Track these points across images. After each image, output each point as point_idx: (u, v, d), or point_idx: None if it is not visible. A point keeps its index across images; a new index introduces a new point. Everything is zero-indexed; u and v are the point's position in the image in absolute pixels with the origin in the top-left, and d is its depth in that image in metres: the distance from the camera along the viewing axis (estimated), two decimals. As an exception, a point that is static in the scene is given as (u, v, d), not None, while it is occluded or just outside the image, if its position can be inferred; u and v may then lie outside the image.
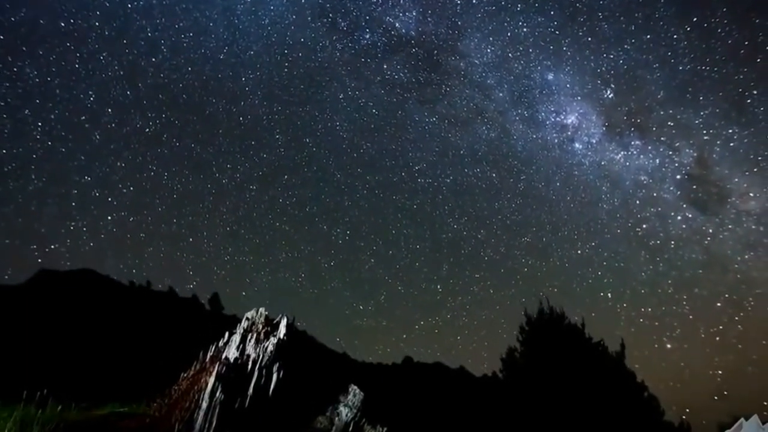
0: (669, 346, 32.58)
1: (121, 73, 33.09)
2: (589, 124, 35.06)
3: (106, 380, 9.74)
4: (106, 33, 32.71)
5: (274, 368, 5.01)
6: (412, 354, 35.06)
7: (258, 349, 5.08)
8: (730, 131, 30.81)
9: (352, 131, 37.69)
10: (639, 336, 33.68)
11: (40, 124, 30.82)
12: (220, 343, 5.27)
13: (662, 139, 33.97)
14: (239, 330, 5.26)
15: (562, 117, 34.87)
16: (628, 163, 34.51)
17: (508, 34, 34.37)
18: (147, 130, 34.05)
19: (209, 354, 5.20)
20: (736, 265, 32.36)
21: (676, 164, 33.67)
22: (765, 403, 26.74)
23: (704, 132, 31.72)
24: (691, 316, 33.53)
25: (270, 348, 5.08)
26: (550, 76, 34.46)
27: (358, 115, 37.27)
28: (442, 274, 38.40)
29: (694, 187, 33.70)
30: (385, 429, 4.92)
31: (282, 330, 5.27)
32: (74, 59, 31.77)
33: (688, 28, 30.79)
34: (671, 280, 35.02)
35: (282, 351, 5.18)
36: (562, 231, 37.16)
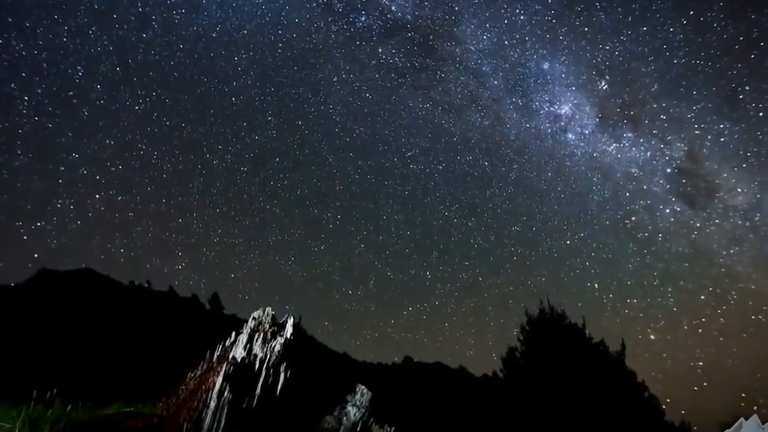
0: (652, 337, 33.02)
1: (111, 48, 32.10)
2: (582, 115, 34.99)
3: (108, 380, 9.71)
4: (96, 6, 31.56)
5: (282, 368, 5.02)
6: (399, 339, 35.44)
7: (265, 349, 5.09)
8: (721, 126, 30.97)
9: (345, 115, 37.05)
10: (623, 326, 34.46)
11: (26, 98, 29.92)
12: (227, 343, 5.27)
13: (654, 132, 33.88)
14: (246, 330, 5.26)
15: (556, 107, 34.60)
16: (619, 155, 34.45)
17: (505, 21, 33.97)
18: (137, 107, 33.07)
19: (216, 353, 5.20)
20: (721, 259, 32.55)
21: (667, 158, 33.66)
22: (743, 395, 28.03)
23: (696, 126, 31.82)
24: (675, 308, 33.61)
25: (277, 348, 5.09)
26: (546, 66, 34.17)
27: (352, 99, 36.70)
28: (432, 260, 38.73)
29: (684, 181, 33.67)
30: (393, 429, 4.93)
31: (289, 330, 5.28)
32: (62, 33, 30.76)
33: (684, 22, 30.71)
34: (657, 272, 35.29)
35: (288, 351, 5.19)
36: (552, 221, 37.12)
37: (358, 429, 4.82)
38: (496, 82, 35.91)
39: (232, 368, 4.75)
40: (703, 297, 32.75)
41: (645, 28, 31.57)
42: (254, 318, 5.37)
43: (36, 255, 29.40)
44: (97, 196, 31.64)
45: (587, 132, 35.20)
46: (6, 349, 12.41)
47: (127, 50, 32.51)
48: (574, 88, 34.48)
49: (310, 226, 38.29)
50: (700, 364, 31.25)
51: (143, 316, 17.90)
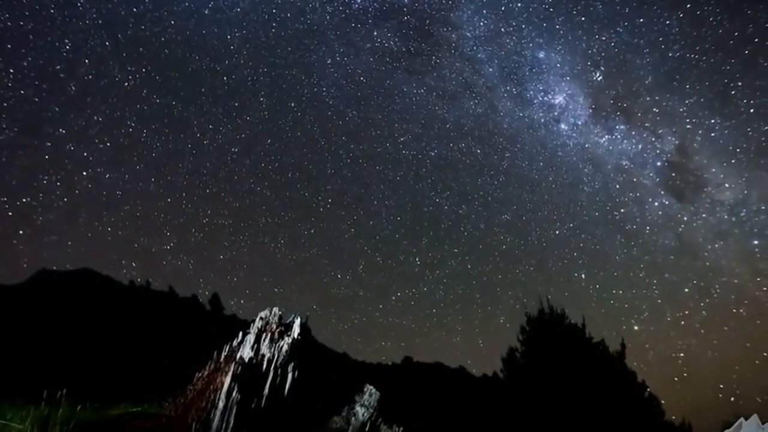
0: (636, 327, 33.43)
1: (100, 22, 31.28)
2: (576, 106, 34.93)
3: (112, 380, 9.71)
4: (85, -23, 31.12)
5: (289, 368, 5.03)
6: (387, 324, 35.59)
7: (273, 349, 5.09)
8: (712, 121, 31.16)
9: (338, 98, 36.60)
10: (608, 317, 34.49)
11: (11, 71, 29.18)
12: (234, 343, 5.28)
13: (646, 125, 34.03)
14: (253, 330, 5.27)
15: (550, 96, 34.56)
16: (611, 147, 34.65)
17: (502, 8, 33.73)
18: (126, 84, 32.38)
19: (223, 354, 5.21)
20: (706, 253, 32.99)
21: (658, 151, 33.90)
22: (721, 386, 28.72)
23: (687, 120, 32.06)
24: (659, 300, 34.04)
25: (285, 348, 5.09)
26: (541, 54, 34.04)
27: (346, 83, 36.34)
28: (422, 247, 38.60)
29: (673, 174, 34.08)
30: (401, 429, 4.94)
31: (296, 330, 5.29)
32: (50, 4, 29.99)
33: (681, 14, 30.66)
34: (643, 264, 35.42)
35: (296, 351, 5.20)
36: (542, 211, 37.18)
37: (367, 429, 4.83)
38: (491, 70, 35.88)
39: (240, 368, 4.76)
40: (686, 290, 33.35)
41: (642, 20, 31.69)
42: (261, 318, 5.38)
43: (21, 231, 28.91)
44: (84, 173, 31.14)
45: (580, 123, 35.35)
46: (7, 350, 12.38)
47: (117, 24, 31.88)
48: (568, 78, 34.70)
49: (301, 209, 38.28)
50: (681, 355, 31.93)
51: (143, 316, 17.88)
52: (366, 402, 5.00)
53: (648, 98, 32.79)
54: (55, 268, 18.45)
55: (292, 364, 5.07)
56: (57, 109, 31.05)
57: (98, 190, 32.27)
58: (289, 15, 34.45)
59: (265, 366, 4.98)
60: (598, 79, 33.86)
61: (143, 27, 32.12)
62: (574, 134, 35.27)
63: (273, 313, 5.43)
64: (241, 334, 5.31)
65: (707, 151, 32.12)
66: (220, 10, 33.96)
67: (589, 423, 13.75)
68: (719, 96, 31.49)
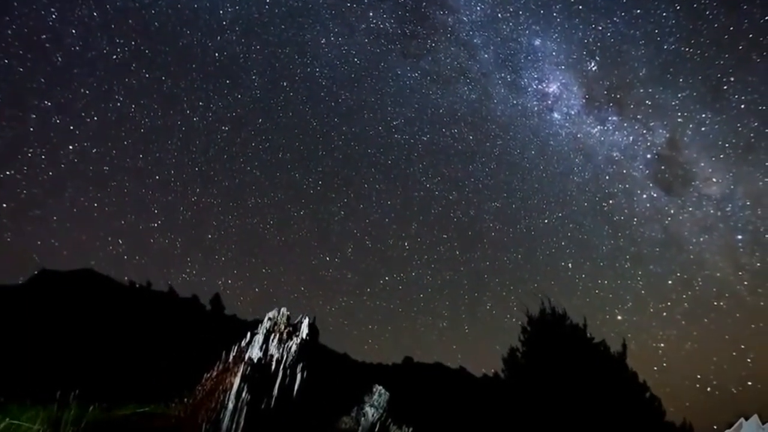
0: (619, 317, 33.70)
1: None
2: (569, 95, 34.95)
3: (115, 381, 9.68)
4: (71, -57, 30.57)
5: (298, 368, 5.02)
6: (375, 308, 35.68)
7: (281, 350, 5.09)
8: (703, 116, 31.37)
9: (331, 79, 36.30)
10: (592, 306, 34.75)
11: None
12: (242, 344, 5.27)
13: (638, 117, 34.16)
14: (261, 330, 5.26)
15: (544, 85, 34.52)
16: (602, 138, 34.79)
17: None
18: (114, 57, 31.67)
19: (232, 354, 5.20)
20: (691, 246, 33.42)
21: (649, 143, 34.09)
22: (698, 377, 29.13)
23: (679, 114, 32.22)
24: (643, 291, 34.30)
25: (293, 348, 5.09)
26: (537, 42, 33.88)
27: (339, 63, 35.98)
28: (411, 231, 38.55)
29: (662, 167, 34.28)
30: (410, 429, 4.94)
31: (304, 330, 5.28)
32: None
33: (678, 7, 30.79)
34: (629, 255, 35.70)
35: (304, 351, 5.19)
36: (532, 199, 37.28)
37: (376, 429, 4.83)
38: (486, 56, 35.67)
39: (249, 369, 4.75)
40: (670, 282, 33.72)
41: (639, 11, 31.78)
42: (269, 318, 5.37)
43: (5, 205, 28.48)
44: (71, 147, 30.54)
45: (573, 113, 35.47)
46: (7, 350, 12.34)
47: (106, -6, 31.03)
48: (563, 67, 34.58)
49: (291, 190, 37.95)
50: (662, 345, 32.35)
51: (144, 317, 17.83)
52: (375, 402, 4.99)
53: (641, 90, 32.97)
54: (55, 268, 18.40)
55: (301, 365, 5.07)
56: (42, 80, 30.42)
57: (85, 165, 31.74)
58: (283, -8, 33.83)
59: (273, 366, 4.98)
60: (593, 69, 33.92)
61: (133, -2, 31.16)
62: (567, 124, 35.44)
63: (281, 313, 5.42)
64: (249, 334, 5.30)
65: (697, 145, 32.47)
66: (212, -16, 33.18)
67: (590, 423, 13.77)
68: (711, 91, 31.73)
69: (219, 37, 34.06)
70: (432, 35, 35.44)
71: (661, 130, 33.44)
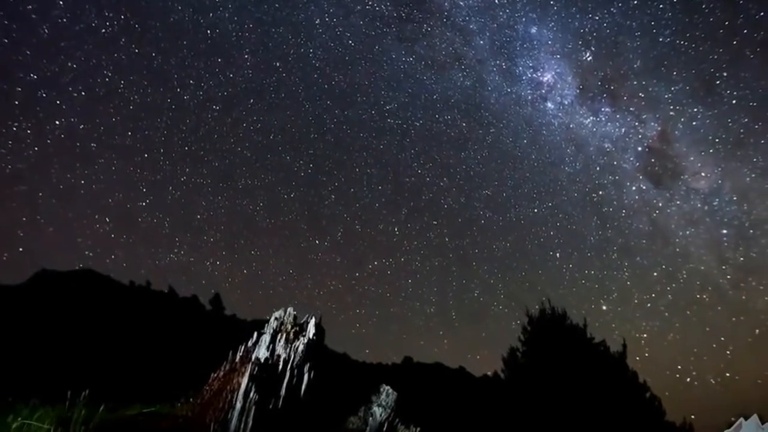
0: (604, 308, 34.50)
1: None
2: (564, 85, 35.18)
3: (114, 380, 9.67)
4: None
5: (305, 368, 5.03)
6: (363, 292, 35.76)
7: (288, 350, 5.09)
8: (695, 110, 31.75)
9: (325, 61, 35.95)
10: (578, 296, 35.45)
11: None
12: (249, 343, 5.27)
13: (631, 109, 34.51)
14: (268, 330, 5.26)
15: (539, 74, 34.63)
16: (595, 129, 35.20)
17: None
18: (103, 30, 31.07)
19: (239, 354, 5.20)
20: (677, 239, 34.12)
21: (640, 136, 34.63)
22: (679, 367, 30.27)
23: (671, 107, 32.61)
24: (628, 283, 35.27)
25: (300, 348, 5.10)
26: (534, 30, 33.93)
27: (333, 45, 35.66)
28: (401, 217, 39.16)
29: (653, 160, 34.83)
30: (418, 429, 4.95)
31: (311, 330, 5.29)
32: None
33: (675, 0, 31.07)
34: (617, 246, 36.62)
35: (311, 351, 5.20)
36: (522, 188, 38.06)
37: (384, 429, 4.84)
38: (482, 42, 35.59)
39: (257, 369, 4.76)
40: (655, 274, 34.62)
41: (635, 2, 31.80)
42: (276, 318, 5.37)
43: None
44: (57, 123, 30.04)
45: (566, 102, 35.53)
46: (8, 350, 12.31)
47: (95, -34, 29.79)
48: (558, 56, 34.64)
49: (281, 172, 37.73)
50: (644, 336, 33.27)
51: (144, 317, 17.80)
52: (383, 402, 5.01)
53: (635, 82, 33.12)
54: (55, 268, 18.35)
55: (308, 365, 5.07)
56: (28, 52, 29.72)
57: (71, 141, 31.38)
58: (278, -30, 32.71)
59: (281, 366, 4.98)
60: (588, 59, 33.94)
61: (123, -30, 29.56)
62: (560, 114, 35.87)
63: (288, 313, 5.42)
64: (255, 334, 5.30)
65: (687, 139, 32.79)
66: (205, -42, 31.86)
67: (590, 423, 13.81)
68: (704, 85, 32.04)
69: (211, 14, 33.45)
70: (428, 19, 35.15)
71: (652, 123, 33.92)
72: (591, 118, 34.68)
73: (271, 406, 4.66)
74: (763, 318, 31.55)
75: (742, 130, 30.76)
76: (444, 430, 13.93)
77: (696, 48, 30.66)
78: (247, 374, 4.72)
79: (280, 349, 5.12)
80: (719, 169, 32.31)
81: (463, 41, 35.67)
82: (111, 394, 5.73)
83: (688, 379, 29.07)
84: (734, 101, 30.40)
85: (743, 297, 32.15)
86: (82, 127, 31.32)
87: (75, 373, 10.65)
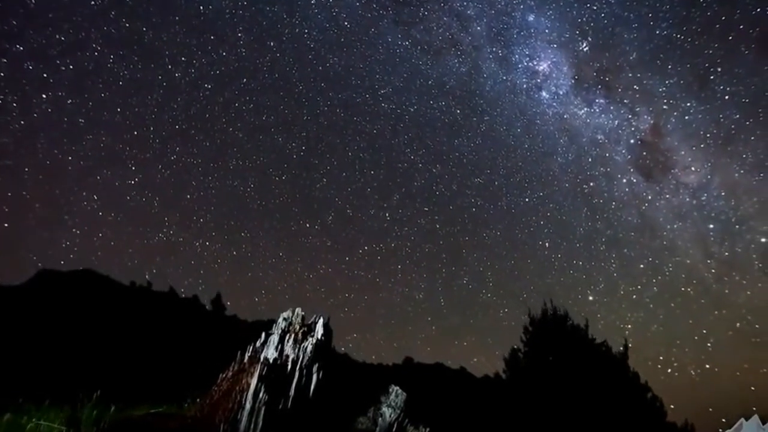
0: (590, 298, 34.87)
1: None
2: (559, 75, 35.23)
3: (121, 381, 9.64)
4: None
5: (314, 369, 5.02)
6: (353, 277, 35.76)
7: (297, 350, 5.08)
8: (688, 104, 31.95)
9: (320, 42, 35.59)
10: (566, 285, 35.88)
11: None
12: (257, 344, 5.26)
13: (625, 101, 34.62)
14: (276, 330, 5.25)
15: (535, 62, 34.62)
16: (588, 120, 35.18)
17: None
18: (92, 3, 30.37)
19: (247, 354, 5.19)
20: (665, 233, 34.44)
21: (633, 129, 34.71)
22: (660, 358, 30.69)
23: (665, 101, 32.72)
24: (615, 274, 35.72)
25: (309, 348, 5.09)
26: (531, 18, 33.85)
27: (329, 26, 35.42)
28: (392, 203, 38.88)
29: (644, 153, 35.00)
30: (427, 430, 4.94)
31: (319, 330, 5.28)
32: None
33: None
34: (605, 238, 36.65)
35: (319, 351, 5.19)
36: (514, 177, 38.11)
37: (394, 430, 4.83)
38: (478, 28, 35.53)
39: (266, 369, 4.74)
40: (642, 266, 34.71)
41: None
42: (284, 318, 5.36)
43: None
44: (44, 96, 29.35)
45: (561, 92, 35.61)
46: (8, 350, 12.26)
47: (83, -66, 29.25)
48: (555, 45, 34.53)
49: (273, 154, 37.47)
50: (629, 326, 33.73)
51: (144, 317, 17.77)
52: (392, 402, 5.00)
53: (630, 74, 33.22)
54: (55, 267, 18.32)
55: (317, 365, 5.06)
56: (14, 22, 28.99)
57: (59, 116, 30.50)
58: (274, -54, 32.00)
59: (289, 367, 4.97)
60: (584, 49, 33.98)
61: (113, -60, 29.00)
62: (555, 103, 35.68)
63: (296, 314, 5.41)
64: (264, 334, 5.29)
65: (679, 133, 33.04)
66: (199, -67, 31.28)
67: (592, 424, 13.82)
68: (698, 80, 32.19)
69: (205, -11, 32.22)
70: (425, 3, 34.97)
71: (646, 116, 34.13)
72: (585, 109, 34.81)
73: (280, 407, 4.65)
74: (744, 312, 31.86)
75: (733, 126, 31.14)
76: (451, 431, 13.93)
77: (692, 42, 30.90)
78: (256, 374, 4.71)
79: (288, 349, 5.11)
80: (709, 164, 32.71)
81: (460, 27, 35.69)
82: (115, 395, 5.71)
83: (669, 370, 29.56)
84: (727, 97, 30.77)
85: (726, 291, 32.79)
86: (69, 101, 30.53)
87: (78, 374, 10.62)
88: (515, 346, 16.72)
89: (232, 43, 34.49)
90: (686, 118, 31.87)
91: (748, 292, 31.40)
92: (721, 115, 30.96)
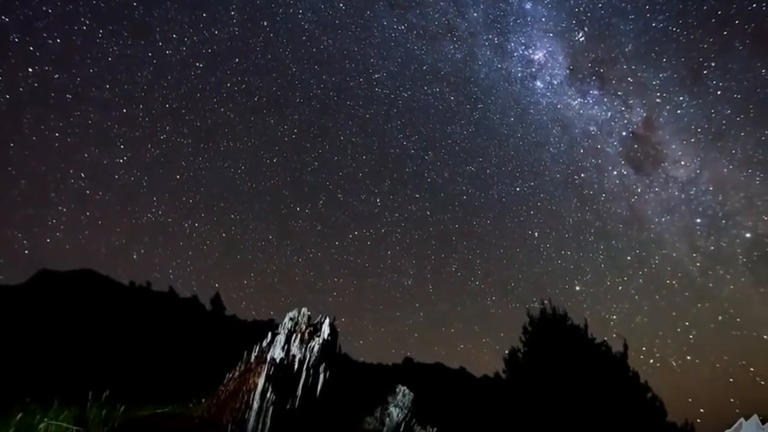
0: (577, 288, 35.13)
1: None
2: (554, 64, 34.90)
3: (124, 381, 9.63)
4: None
5: (321, 368, 5.03)
6: (342, 262, 35.85)
7: (303, 350, 5.09)
8: (681, 98, 32.00)
9: (314, 23, 34.92)
10: (553, 275, 36.13)
11: None
12: (264, 344, 5.27)
13: (619, 93, 34.47)
14: (283, 330, 5.26)
15: (531, 51, 34.34)
16: (582, 111, 35.06)
17: None
18: None
19: (253, 354, 5.19)
20: (653, 226, 34.59)
21: (625, 121, 34.53)
22: (643, 349, 30.77)
23: (658, 94, 32.74)
24: (602, 265, 35.99)
25: (316, 348, 5.10)
26: (528, 5, 33.57)
27: (324, 7, 34.63)
28: (384, 188, 38.28)
29: (636, 146, 35.01)
30: (434, 429, 4.95)
31: (326, 330, 5.29)
32: None
33: None
34: (594, 229, 36.73)
35: (326, 351, 5.20)
36: (506, 166, 37.86)
37: (401, 429, 4.84)
38: (475, 14, 34.99)
39: (273, 369, 4.75)
40: (629, 258, 35.00)
41: None
42: (291, 318, 5.37)
43: None
44: (30, 70, 28.48)
45: (556, 82, 35.37)
46: (8, 350, 12.23)
47: None
48: (551, 34, 34.48)
49: (265, 136, 36.79)
50: (614, 317, 33.84)
51: (144, 317, 17.74)
52: (400, 402, 5.00)
53: (625, 66, 33.16)
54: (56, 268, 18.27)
55: (324, 365, 5.07)
56: None
57: (45, 91, 29.59)
58: None
59: (296, 367, 4.98)
60: (580, 39, 33.78)
61: None
62: (549, 93, 35.44)
63: (302, 313, 5.42)
64: (270, 334, 5.30)
65: (671, 127, 33.03)
66: None
67: (592, 424, 13.85)
68: (692, 74, 32.17)
69: (197, -36, 31.83)
70: None
71: (638, 109, 34.03)
72: (579, 99, 34.70)
73: (288, 407, 4.66)
74: (726, 305, 32.19)
75: (724, 122, 31.23)
76: (458, 431, 13.95)
77: (687, 36, 30.87)
78: (263, 374, 4.71)
79: (295, 349, 5.12)
80: (699, 158, 32.87)
81: (456, 12, 35.00)
82: (119, 395, 5.71)
83: (651, 360, 29.99)
84: (719, 92, 30.83)
85: (710, 284, 33.07)
86: (57, 76, 29.62)
87: (80, 374, 10.60)
88: (515, 346, 16.76)
89: (225, 21, 33.72)
90: (678, 112, 32.10)
91: (731, 286, 31.93)
92: (712, 111, 31.15)
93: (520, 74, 36.22)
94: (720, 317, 31.47)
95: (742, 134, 30.67)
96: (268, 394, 4.59)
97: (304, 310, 5.44)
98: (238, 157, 36.56)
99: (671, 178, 33.48)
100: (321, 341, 5.16)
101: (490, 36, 35.72)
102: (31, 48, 28.68)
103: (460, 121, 37.51)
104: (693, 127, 31.89)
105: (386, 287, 37.01)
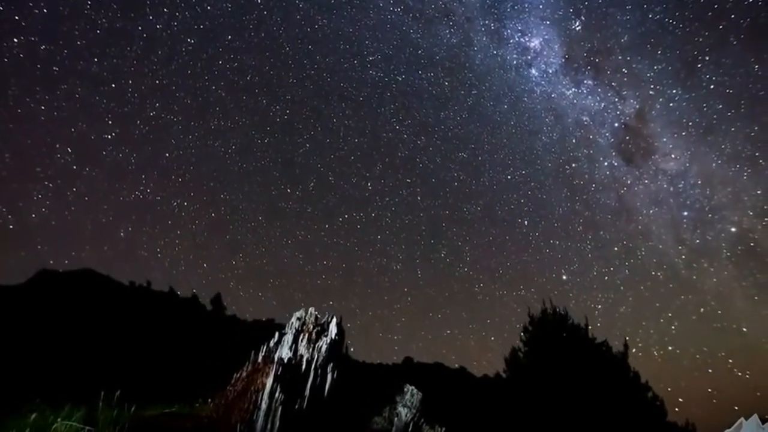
0: (564, 277, 35.53)
1: None
2: (550, 53, 34.77)
3: (128, 381, 9.62)
4: None
5: (329, 368, 5.04)
6: (331, 245, 35.36)
7: (311, 350, 5.10)
8: (674, 91, 32.14)
9: (309, 2, 34.38)
10: (541, 264, 36.32)
11: None
12: (271, 344, 5.27)
13: (613, 84, 34.45)
14: (290, 330, 5.26)
15: (527, 39, 34.18)
16: (575, 101, 34.98)
17: None
18: None
19: (261, 354, 5.20)
20: (640, 217, 34.79)
21: (618, 112, 34.67)
22: (627, 338, 30.95)
23: (652, 86, 32.89)
24: (590, 255, 35.95)
25: (323, 348, 5.10)
26: None
27: None
28: (375, 172, 38.23)
29: (627, 138, 35.19)
30: (443, 429, 4.96)
31: (333, 330, 5.30)
32: None
33: None
34: (582, 219, 36.79)
35: (333, 351, 5.21)
36: (498, 153, 37.74)
37: (410, 429, 4.85)
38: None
39: (281, 369, 4.76)
40: (616, 248, 35.06)
41: None
42: (298, 318, 5.38)
43: None
44: (16, 41, 27.67)
45: (550, 71, 35.26)
46: (8, 350, 12.21)
47: None
48: (548, 22, 34.23)
49: (257, 116, 35.93)
50: (599, 307, 33.94)
51: (144, 317, 17.72)
52: (408, 402, 5.01)
53: (620, 57, 33.20)
54: (56, 268, 18.22)
55: (331, 365, 5.08)
56: None
57: (31, 62, 28.80)
58: None
59: (304, 367, 4.99)
60: (577, 28, 33.70)
61: None
62: (543, 82, 35.37)
63: (309, 313, 5.43)
64: (277, 334, 5.31)
65: (663, 120, 33.17)
66: None
67: (592, 424, 13.89)
68: (686, 67, 32.23)
69: (186, -60, 31.28)
70: None
71: (632, 101, 34.10)
72: (573, 89, 34.66)
73: (296, 407, 4.67)
74: (708, 298, 32.55)
75: (715, 116, 31.36)
76: (465, 431, 13.97)
77: (683, 28, 30.92)
78: (271, 374, 4.72)
79: (302, 349, 5.13)
80: (689, 152, 33.04)
81: None
82: (124, 394, 5.70)
83: (634, 350, 30.37)
84: (712, 86, 30.94)
85: (694, 277, 33.35)
86: (43, 47, 28.77)
87: (82, 374, 10.58)
88: (515, 346, 16.79)
89: (218, -3, 33.01)
90: (671, 105, 32.21)
91: (715, 279, 32.17)
92: (704, 105, 31.29)
93: (515, 62, 35.93)
94: (702, 309, 31.92)
95: (732, 129, 30.86)
96: (277, 394, 4.60)
97: (311, 309, 5.45)
98: (229, 136, 35.88)
99: (661, 170, 33.69)
100: (328, 341, 5.17)
101: (487, 21, 35.33)
102: (17, 17, 27.94)
103: (453, 106, 37.25)
104: (684, 120, 32.07)
105: (375, 271, 36.95)
